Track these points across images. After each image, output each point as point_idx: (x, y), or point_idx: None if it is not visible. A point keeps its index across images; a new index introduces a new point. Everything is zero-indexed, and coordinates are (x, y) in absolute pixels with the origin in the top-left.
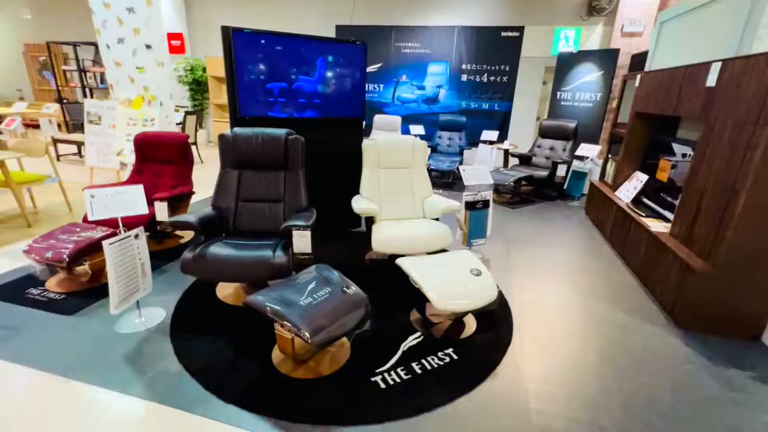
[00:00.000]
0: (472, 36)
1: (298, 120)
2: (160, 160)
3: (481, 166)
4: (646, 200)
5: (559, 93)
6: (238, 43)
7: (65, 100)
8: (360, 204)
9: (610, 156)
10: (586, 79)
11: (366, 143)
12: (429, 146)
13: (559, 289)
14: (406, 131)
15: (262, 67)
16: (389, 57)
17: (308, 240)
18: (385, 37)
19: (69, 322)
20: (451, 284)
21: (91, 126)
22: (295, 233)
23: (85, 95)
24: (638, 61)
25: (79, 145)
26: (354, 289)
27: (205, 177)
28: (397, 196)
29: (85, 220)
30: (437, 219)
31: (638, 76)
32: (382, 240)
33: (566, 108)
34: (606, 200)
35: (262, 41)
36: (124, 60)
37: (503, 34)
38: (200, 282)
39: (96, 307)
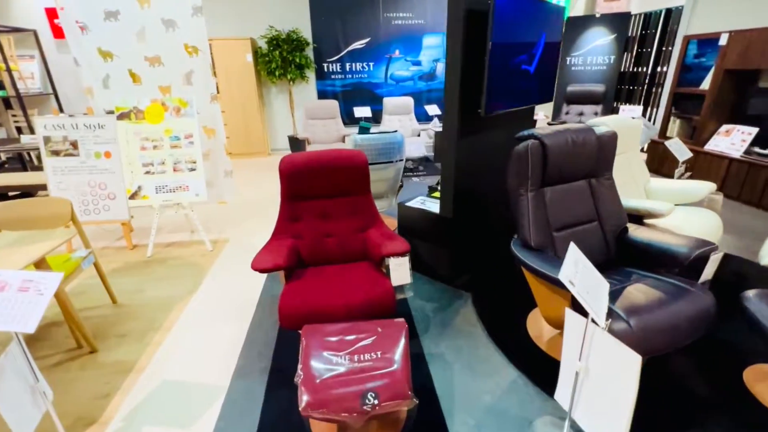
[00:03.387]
0: None
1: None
2: (327, 194)
3: None
4: (756, 148)
5: (569, 58)
6: (503, 8)
7: None
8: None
9: (672, 115)
10: (598, 43)
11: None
12: None
13: None
14: (420, 113)
15: (512, 42)
16: (378, 30)
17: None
18: (372, 6)
19: None
20: None
21: (57, 159)
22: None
23: (8, 107)
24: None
25: (28, 190)
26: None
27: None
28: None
29: None
30: None
31: (725, 36)
32: None
33: (577, 73)
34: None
35: (524, 7)
36: (118, 48)
37: None
38: None
39: None
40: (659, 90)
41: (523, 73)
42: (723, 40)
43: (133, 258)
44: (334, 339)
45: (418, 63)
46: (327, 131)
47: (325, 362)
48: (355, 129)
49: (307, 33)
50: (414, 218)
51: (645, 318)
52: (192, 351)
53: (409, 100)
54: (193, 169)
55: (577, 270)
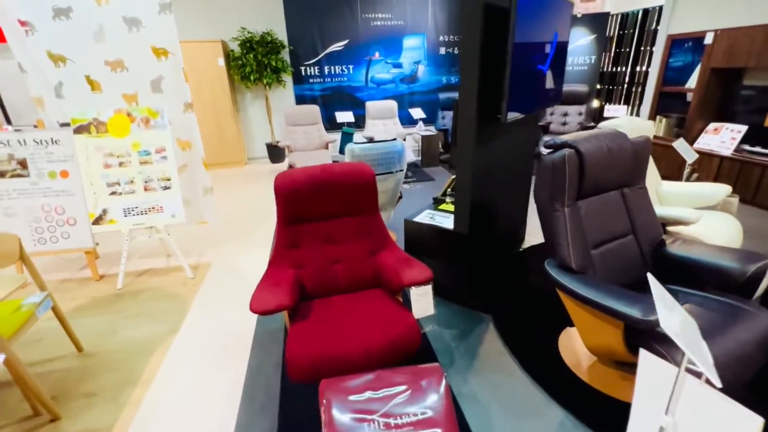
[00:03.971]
0: (448, 2)
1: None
2: (331, 215)
3: None
4: (746, 146)
5: None
6: (524, 2)
7: None
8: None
9: (658, 114)
10: (579, 43)
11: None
12: (439, 129)
13: None
14: (403, 117)
15: (530, 41)
16: (357, 31)
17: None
18: (349, 6)
19: None
20: None
21: (1, 181)
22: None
23: None
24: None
25: None
26: None
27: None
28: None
29: None
30: None
31: (710, 35)
32: None
33: None
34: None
35: (542, 1)
36: (72, 50)
37: None
38: None
39: None
40: (639, 89)
41: (539, 74)
42: (708, 39)
43: (101, 291)
44: (361, 398)
45: (399, 65)
46: (308, 138)
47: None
48: (338, 135)
49: (282, 35)
50: (423, 235)
51: (711, 349)
52: (179, 409)
53: (393, 104)
54: (167, 188)
55: (668, 309)
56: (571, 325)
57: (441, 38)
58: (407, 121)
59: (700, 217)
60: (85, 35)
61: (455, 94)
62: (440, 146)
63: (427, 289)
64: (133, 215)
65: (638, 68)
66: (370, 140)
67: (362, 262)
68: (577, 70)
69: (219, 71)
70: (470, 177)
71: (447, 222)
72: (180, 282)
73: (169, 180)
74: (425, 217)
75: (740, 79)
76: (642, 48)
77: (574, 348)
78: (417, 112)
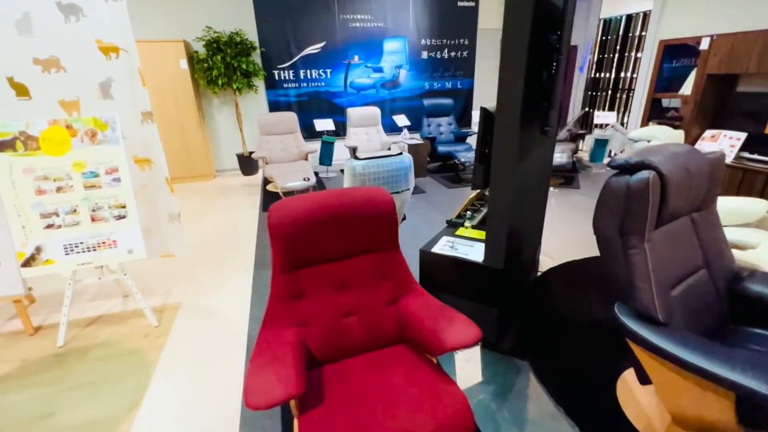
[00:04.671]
0: (429, 5)
1: None
2: (342, 254)
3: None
4: (745, 154)
5: None
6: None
7: None
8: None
9: (650, 121)
10: None
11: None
12: (424, 138)
13: None
14: (387, 124)
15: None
16: (334, 33)
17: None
18: (326, 5)
19: None
20: None
21: None
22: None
23: None
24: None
25: None
26: None
27: None
28: None
29: None
30: None
31: (706, 40)
32: None
33: None
34: None
35: None
36: None
37: (459, 3)
38: None
39: None
40: (624, 95)
41: (573, 78)
42: (704, 45)
43: (36, 350)
44: None
45: (379, 69)
46: (286, 148)
47: None
48: (317, 144)
49: (252, 35)
50: (443, 268)
51: None
52: None
53: (376, 111)
54: (121, 217)
55: None
56: (626, 367)
57: (423, 42)
58: (389, 128)
59: (761, 240)
60: (4, 25)
61: (442, 101)
62: (427, 156)
63: (475, 352)
64: (78, 253)
65: (623, 74)
66: (356, 151)
67: (381, 312)
68: None
69: (182, 75)
70: (510, 201)
71: (472, 252)
72: (141, 332)
73: (123, 207)
74: (445, 247)
75: (735, 86)
76: (627, 54)
77: (639, 403)
78: (401, 119)
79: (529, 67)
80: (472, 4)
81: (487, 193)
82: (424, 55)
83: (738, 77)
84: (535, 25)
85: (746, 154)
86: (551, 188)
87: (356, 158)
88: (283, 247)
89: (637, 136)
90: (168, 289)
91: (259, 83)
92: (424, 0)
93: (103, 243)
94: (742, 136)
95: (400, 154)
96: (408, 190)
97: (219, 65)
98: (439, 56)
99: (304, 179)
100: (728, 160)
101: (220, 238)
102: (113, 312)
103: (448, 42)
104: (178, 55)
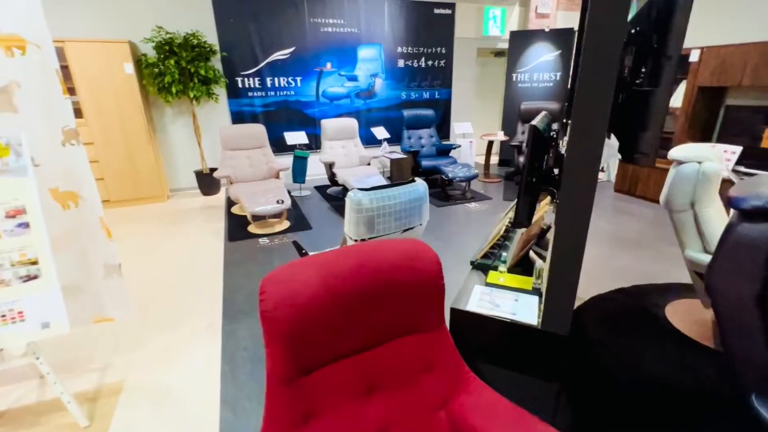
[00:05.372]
0: (405, 11)
1: None
2: (369, 343)
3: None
4: (741, 168)
5: (515, 74)
6: None
7: None
8: None
9: None
10: (545, 59)
11: None
12: (406, 151)
13: None
14: (365, 136)
15: None
16: (304, 38)
17: None
18: (294, 7)
19: None
20: None
21: None
22: None
23: None
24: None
25: None
26: None
27: None
28: None
29: None
30: None
31: (695, 52)
32: None
33: (524, 89)
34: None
35: None
36: None
37: (435, 11)
38: None
39: None
40: None
41: None
42: (694, 57)
43: None
44: None
45: (354, 78)
46: (253, 165)
47: None
48: (288, 159)
49: (212, 38)
50: (483, 332)
51: None
52: None
53: (353, 122)
54: (31, 277)
55: None
56: None
57: (399, 50)
58: (366, 140)
59: None
60: None
61: (423, 112)
62: (411, 171)
63: None
64: None
65: None
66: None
67: (428, 422)
68: (543, 87)
69: (127, 81)
70: (582, 247)
71: (521, 310)
72: None
73: (35, 264)
74: (482, 303)
75: (724, 99)
76: None
77: None
78: (380, 132)
79: (620, 77)
80: (448, 11)
81: (519, 229)
82: (401, 63)
83: (727, 90)
84: (637, 22)
85: (741, 168)
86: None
87: (360, 189)
88: (284, 347)
89: (682, 156)
90: (105, 362)
91: (221, 91)
92: (399, 6)
93: (3, 317)
94: (738, 150)
95: (413, 180)
96: (421, 225)
97: (173, 70)
98: (416, 65)
99: (278, 202)
100: (725, 174)
101: (177, 281)
102: (23, 404)
103: (425, 50)
104: (122, 58)
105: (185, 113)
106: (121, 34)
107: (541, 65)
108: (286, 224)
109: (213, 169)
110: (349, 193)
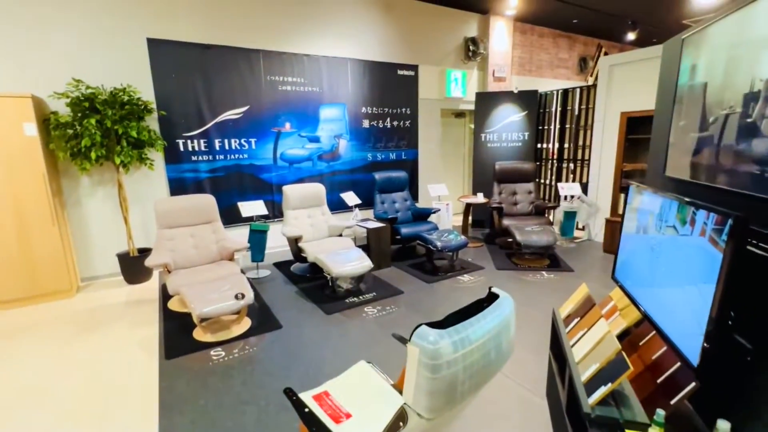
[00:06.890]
0: (368, 71)
1: None
2: None
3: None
4: None
5: (483, 135)
6: None
7: None
8: None
9: (622, 192)
10: (512, 120)
11: None
12: (380, 218)
13: None
14: (333, 201)
15: None
16: (260, 96)
17: None
18: (250, 64)
19: None
20: None
21: None
22: None
23: None
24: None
25: None
26: None
27: None
28: None
29: None
30: None
31: None
32: None
33: (494, 149)
34: None
35: None
36: None
37: (399, 72)
38: None
39: None
40: (572, 165)
41: None
42: None
43: None
44: None
45: (316, 139)
46: (199, 246)
47: None
48: (242, 232)
49: (148, 94)
50: None
51: None
52: None
53: (319, 188)
54: None
55: None
56: None
57: (364, 110)
58: (331, 206)
59: None
60: None
61: (395, 173)
62: (390, 241)
63: None
64: None
65: (566, 145)
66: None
67: None
68: (513, 147)
69: (27, 145)
70: None
71: None
72: None
73: None
74: None
75: None
76: (568, 126)
77: None
78: (350, 197)
79: None
80: (412, 73)
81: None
82: (366, 123)
83: None
84: None
85: None
86: (543, 273)
87: (427, 324)
88: None
89: None
90: None
91: (157, 156)
92: (363, 66)
93: None
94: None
95: (494, 294)
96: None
97: (93, 132)
98: (381, 125)
99: (237, 297)
100: None
101: (95, 422)
102: None
103: (390, 111)
104: (21, 117)
105: (108, 182)
106: (24, 87)
107: (509, 125)
108: (246, 324)
109: (143, 250)
110: (418, 342)
